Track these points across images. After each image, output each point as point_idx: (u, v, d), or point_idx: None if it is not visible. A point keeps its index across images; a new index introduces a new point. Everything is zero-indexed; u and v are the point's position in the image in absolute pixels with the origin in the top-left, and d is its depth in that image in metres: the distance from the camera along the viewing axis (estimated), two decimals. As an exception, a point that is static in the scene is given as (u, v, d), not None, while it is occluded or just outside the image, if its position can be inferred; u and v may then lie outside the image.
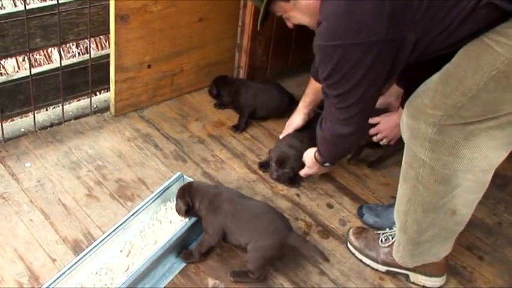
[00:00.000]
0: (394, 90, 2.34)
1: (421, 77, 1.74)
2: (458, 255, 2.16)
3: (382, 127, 2.34)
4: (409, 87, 1.83)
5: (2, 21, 2.26)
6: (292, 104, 2.83)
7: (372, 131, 2.36)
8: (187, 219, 2.06)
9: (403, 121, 1.76)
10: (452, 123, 1.62)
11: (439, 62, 1.65)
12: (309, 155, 2.26)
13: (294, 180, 2.40)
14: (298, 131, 2.47)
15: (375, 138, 2.37)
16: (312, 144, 2.23)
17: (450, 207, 1.78)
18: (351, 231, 2.15)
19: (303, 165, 2.33)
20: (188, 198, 2.00)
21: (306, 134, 2.43)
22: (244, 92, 2.74)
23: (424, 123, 1.66)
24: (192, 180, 2.16)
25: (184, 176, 2.20)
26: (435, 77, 1.66)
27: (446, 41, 1.57)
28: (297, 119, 2.47)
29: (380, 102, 2.37)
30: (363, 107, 1.77)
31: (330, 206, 2.34)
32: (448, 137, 1.64)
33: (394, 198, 2.32)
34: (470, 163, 1.67)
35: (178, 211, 2.04)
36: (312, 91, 2.41)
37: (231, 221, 1.94)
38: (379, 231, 2.09)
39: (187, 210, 2.01)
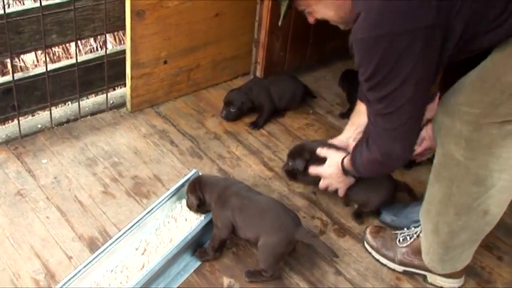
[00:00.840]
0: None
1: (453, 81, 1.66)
2: (477, 256, 2.11)
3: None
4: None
5: (18, 18, 2.27)
6: (306, 94, 2.83)
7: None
8: (202, 218, 2.05)
9: (437, 119, 1.69)
10: (489, 121, 1.55)
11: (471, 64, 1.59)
12: (335, 157, 2.06)
13: (292, 174, 2.32)
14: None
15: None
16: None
17: (483, 208, 1.71)
18: (368, 230, 2.12)
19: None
20: (199, 192, 2.00)
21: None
22: (262, 90, 2.70)
23: (459, 121, 1.59)
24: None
25: (200, 173, 2.18)
26: (472, 73, 1.59)
27: (488, 37, 1.49)
28: (337, 140, 2.21)
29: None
30: (412, 112, 1.61)
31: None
32: (484, 136, 1.58)
33: (412, 197, 2.31)
34: (507, 163, 1.61)
35: (190, 206, 2.04)
36: (356, 114, 2.17)
37: (239, 216, 1.93)
38: (396, 231, 2.06)
39: (198, 205, 2.01)
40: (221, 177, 2.26)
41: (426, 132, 2.19)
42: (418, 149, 2.22)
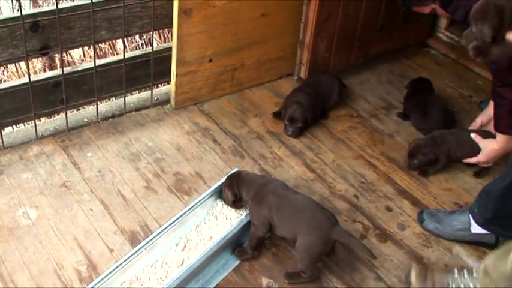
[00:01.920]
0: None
1: None
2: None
3: (483, 158, 2.33)
4: None
5: (69, 14, 2.31)
6: (343, 87, 2.82)
7: (472, 160, 2.38)
8: (242, 216, 2.05)
9: None
10: None
11: None
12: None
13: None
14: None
15: (472, 160, 2.38)
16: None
17: None
18: (413, 273, 1.87)
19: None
20: (236, 189, 2.01)
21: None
22: (317, 97, 2.67)
23: None
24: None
25: (242, 172, 2.19)
26: None
27: None
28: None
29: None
30: None
31: (389, 209, 2.28)
32: None
33: (457, 204, 2.26)
34: None
35: (226, 200, 2.06)
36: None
37: (275, 214, 1.93)
38: (447, 274, 1.82)
39: (234, 201, 2.01)
40: (259, 174, 2.25)
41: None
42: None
